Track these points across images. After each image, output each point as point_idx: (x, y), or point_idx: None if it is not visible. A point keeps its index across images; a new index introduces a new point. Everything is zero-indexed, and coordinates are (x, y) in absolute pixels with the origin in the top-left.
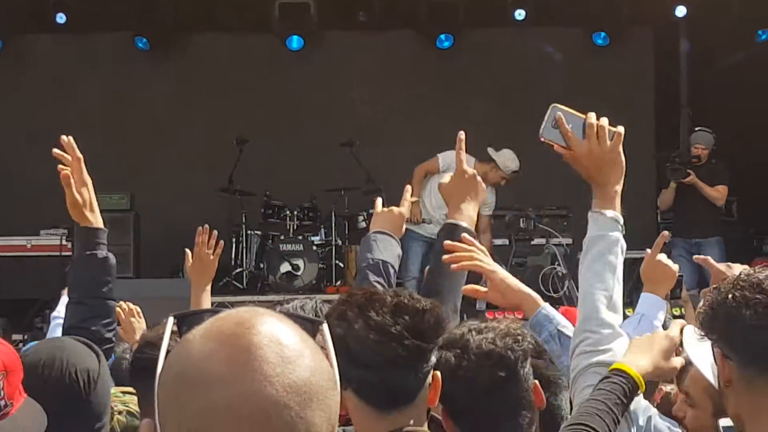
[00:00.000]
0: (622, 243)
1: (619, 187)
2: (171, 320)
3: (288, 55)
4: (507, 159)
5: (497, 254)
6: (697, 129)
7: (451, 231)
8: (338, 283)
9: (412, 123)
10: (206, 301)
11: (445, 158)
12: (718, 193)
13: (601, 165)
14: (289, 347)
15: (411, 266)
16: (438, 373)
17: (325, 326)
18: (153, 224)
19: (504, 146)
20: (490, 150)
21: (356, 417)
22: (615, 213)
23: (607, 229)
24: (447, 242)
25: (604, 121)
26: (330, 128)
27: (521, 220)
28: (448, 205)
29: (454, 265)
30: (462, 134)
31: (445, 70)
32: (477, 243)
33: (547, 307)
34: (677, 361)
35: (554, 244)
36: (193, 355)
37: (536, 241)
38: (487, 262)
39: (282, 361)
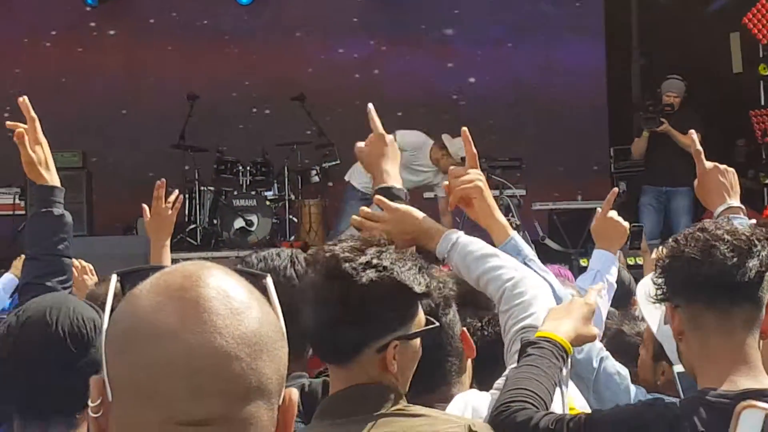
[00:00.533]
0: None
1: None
2: (114, 278)
3: (238, 8)
4: (459, 148)
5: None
6: (668, 77)
7: (389, 195)
8: (292, 238)
9: (363, 76)
10: (166, 257)
11: (404, 137)
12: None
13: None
14: (236, 299)
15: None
16: (398, 343)
17: (268, 280)
18: (105, 182)
19: (455, 95)
20: (445, 137)
21: None
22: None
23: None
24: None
25: None
26: (281, 83)
27: None
28: (372, 169)
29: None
30: (370, 105)
31: (395, 20)
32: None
33: (516, 237)
34: (595, 329)
35: (508, 196)
36: (141, 310)
37: (492, 192)
38: (477, 178)
39: (231, 312)
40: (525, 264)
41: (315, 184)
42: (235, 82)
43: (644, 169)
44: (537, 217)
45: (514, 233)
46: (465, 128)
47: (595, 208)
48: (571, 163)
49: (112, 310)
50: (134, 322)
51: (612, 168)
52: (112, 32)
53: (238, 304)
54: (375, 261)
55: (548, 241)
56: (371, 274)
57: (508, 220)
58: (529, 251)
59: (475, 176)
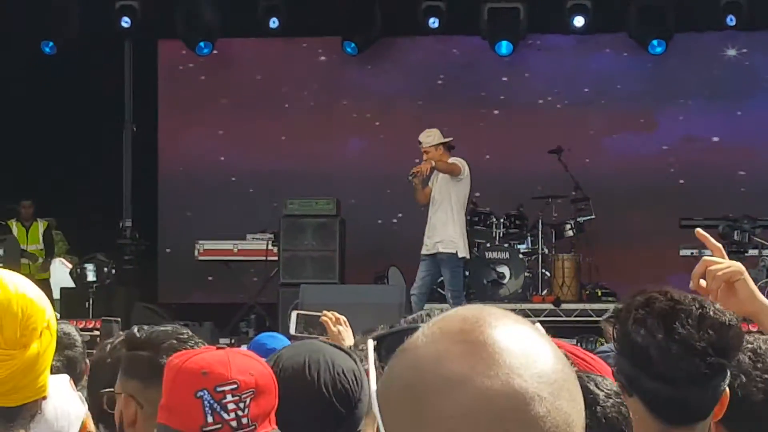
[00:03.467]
0: None
1: None
2: (371, 343)
3: (495, 59)
4: (427, 136)
5: None
6: None
7: None
8: (544, 292)
9: (621, 129)
10: None
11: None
12: None
13: None
14: (526, 337)
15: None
16: (727, 389)
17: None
18: (358, 230)
19: (711, 148)
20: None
21: (638, 426)
22: None
23: None
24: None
25: None
26: (538, 135)
27: (735, 231)
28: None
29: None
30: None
31: (654, 74)
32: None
33: None
34: None
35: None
36: (422, 361)
37: (750, 252)
38: (736, 262)
39: (523, 351)
40: None
41: (569, 239)
42: (492, 132)
43: None
44: None
45: None
46: (699, 229)
47: None
48: None
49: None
50: (417, 375)
51: None
52: (369, 79)
53: (529, 341)
54: (718, 306)
55: None
56: (729, 316)
57: None
58: None
59: (733, 261)
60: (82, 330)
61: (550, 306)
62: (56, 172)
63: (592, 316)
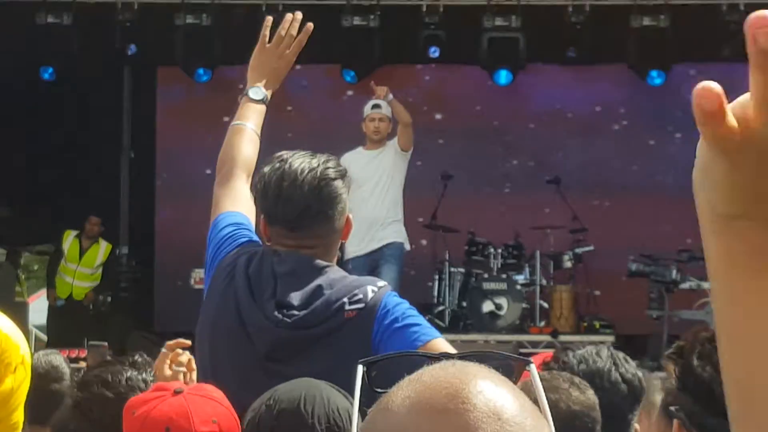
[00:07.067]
0: None
1: None
2: (360, 368)
3: (494, 88)
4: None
5: None
6: None
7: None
8: (542, 323)
9: (622, 161)
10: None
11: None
12: None
13: None
14: (509, 422)
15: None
16: None
17: (533, 368)
18: None
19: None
20: None
21: None
22: None
23: None
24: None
25: None
26: (536, 165)
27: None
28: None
29: None
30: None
31: (655, 106)
32: None
33: None
34: None
35: None
36: None
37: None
38: None
39: None
40: None
41: (567, 269)
42: (490, 163)
43: None
44: None
45: None
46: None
47: None
48: None
49: (360, 407)
50: None
51: None
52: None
53: (510, 427)
54: None
55: None
56: None
57: None
58: None
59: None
60: (76, 359)
61: (548, 337)
62: (53, 198)
63: None
